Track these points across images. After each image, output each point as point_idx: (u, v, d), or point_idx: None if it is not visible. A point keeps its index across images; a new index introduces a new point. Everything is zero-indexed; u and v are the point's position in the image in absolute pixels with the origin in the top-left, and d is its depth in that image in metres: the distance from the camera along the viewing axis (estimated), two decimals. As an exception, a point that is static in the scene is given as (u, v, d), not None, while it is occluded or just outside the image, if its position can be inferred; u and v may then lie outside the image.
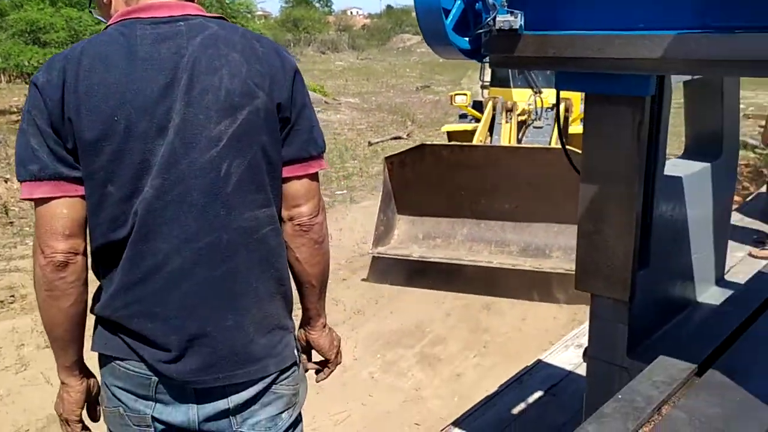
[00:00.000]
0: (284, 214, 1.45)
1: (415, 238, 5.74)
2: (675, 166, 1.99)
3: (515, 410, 2.81)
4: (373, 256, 5.79)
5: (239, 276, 1.36)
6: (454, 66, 23.62)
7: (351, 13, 74.22)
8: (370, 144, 12.14)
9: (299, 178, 1.43)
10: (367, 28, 50.09)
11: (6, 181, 8.09)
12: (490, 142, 6.78)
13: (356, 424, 3.85)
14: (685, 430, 1.16)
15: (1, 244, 6.82)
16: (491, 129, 6.95)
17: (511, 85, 7.69)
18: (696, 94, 2.12)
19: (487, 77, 8.47)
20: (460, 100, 7.99)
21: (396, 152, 5.79)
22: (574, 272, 1.80)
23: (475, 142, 6.65)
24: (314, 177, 1.46)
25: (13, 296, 5.49)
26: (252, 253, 1.37)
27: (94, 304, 1.38)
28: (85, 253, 1.33)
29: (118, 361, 1.37)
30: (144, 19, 1.32)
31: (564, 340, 3.50)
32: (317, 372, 1.68)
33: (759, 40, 1.20)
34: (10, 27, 13.45)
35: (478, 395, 3.44)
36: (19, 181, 1.30)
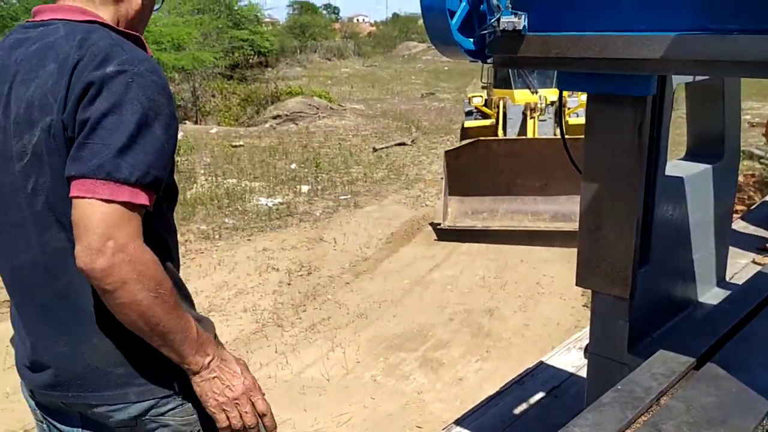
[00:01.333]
0: None
1: (466, 213, 7.22)
2: (676, 167, 2.01)
3: (517, 410, 2.83)
4: (438, 228, 7.36)
5: (69, 300, 1.27)
6: (458, 74, 23.69)
7: (357, 20, 74.50)
8: (374, 150, 12.18)
9: (75, 198, 1.14)
10: (372, 36, 50.18)
11: None
12: (504, 135, 8.20)
13: (358, 426, 3.87)
14: (683, 418, 1.18)
15: None
16: (503, 124, 8.48)
17: (513, 87, 8.90)
18: (698, 96, 2.15)
19: (486, 79, 10.21)
20: (477, 101, 9.55)
21: (454, 147, 7.57)
22: None
23: (499, 136, 8.22)
24: (92, 203, 1.12)
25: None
26: (81, 277, 1.18)
27: None
28: None
29: None
30: (28, 21, 1.29)
31: (566, 342, 3.51)
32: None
33: (754, 41, 1.23)
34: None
35: (479, 399, 3.44)
36: None
